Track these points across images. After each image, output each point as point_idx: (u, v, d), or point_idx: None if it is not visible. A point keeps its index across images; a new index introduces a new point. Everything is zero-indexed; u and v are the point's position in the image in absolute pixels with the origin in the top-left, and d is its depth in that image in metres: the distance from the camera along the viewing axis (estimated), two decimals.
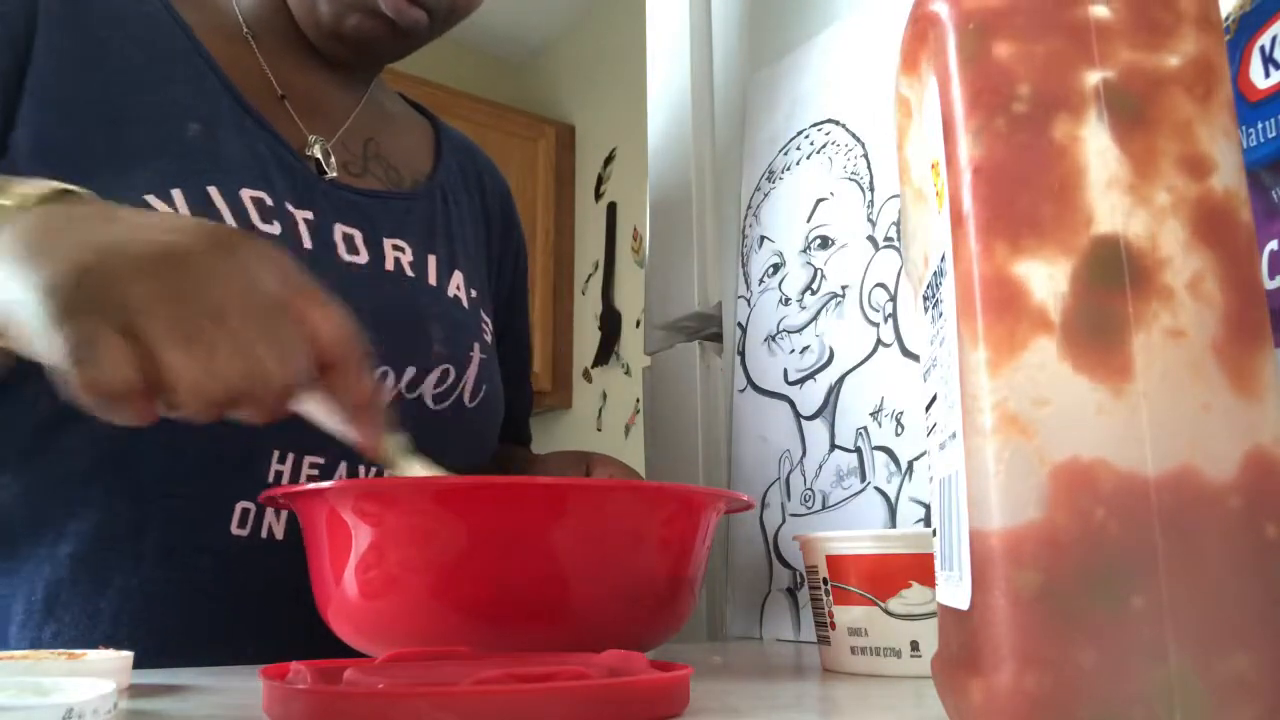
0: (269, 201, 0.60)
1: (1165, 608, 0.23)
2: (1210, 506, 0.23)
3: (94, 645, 0.55)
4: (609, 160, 2.87)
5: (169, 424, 0.52)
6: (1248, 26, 0.43)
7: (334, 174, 0.66)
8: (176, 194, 0.56)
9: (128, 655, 0.41)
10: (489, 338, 0.71)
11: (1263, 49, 0.42)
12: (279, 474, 0.57)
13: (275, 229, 0.59)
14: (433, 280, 0.67)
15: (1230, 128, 0.25)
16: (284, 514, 0.58)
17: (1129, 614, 0.23)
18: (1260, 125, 0.42)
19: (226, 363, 0.35)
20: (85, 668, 0.39)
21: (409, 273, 0.66)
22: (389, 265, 0.65)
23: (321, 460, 0.59)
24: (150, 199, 0.55)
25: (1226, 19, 0.44)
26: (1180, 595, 0.23)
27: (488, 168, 0.84)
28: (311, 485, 0.46)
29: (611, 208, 2.84)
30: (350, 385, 0.42)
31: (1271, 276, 0.41)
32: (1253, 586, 0.23)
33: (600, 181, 2.90)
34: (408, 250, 0.67)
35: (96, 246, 0.36)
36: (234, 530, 0.57)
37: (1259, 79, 0.42)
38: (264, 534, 0.57)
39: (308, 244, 0.61)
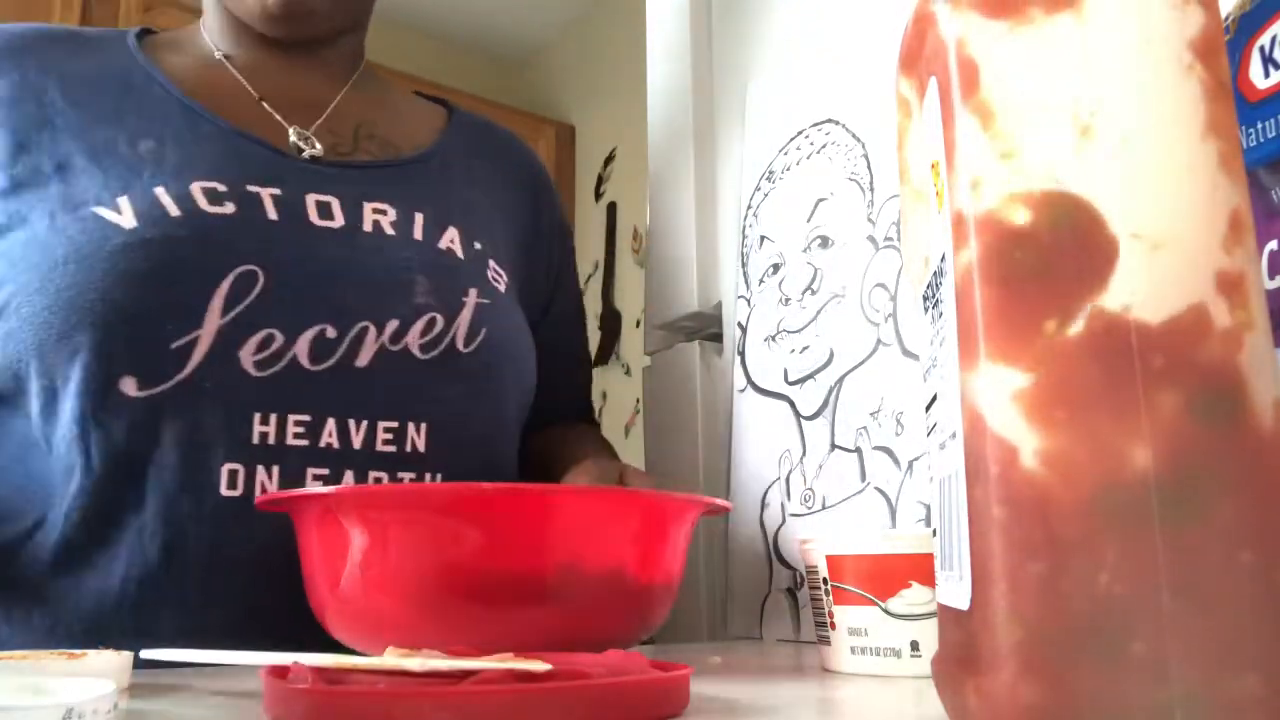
0: (221, 188, 0.63)
1: (1169, 646, 0.23)
2: (1220, 559, 0.23)
3: (112, 613, 0.57)
4: (609, 160, 2.86)
5: (144, 403, 0.57)
6: (1248, 26, 0.43)
7: (314, 152, 0.70)
8: (123, 200, 0.60)
9: (128, 655, 0.41)
10: (501, 285, 0.72)
11: (1263, 49, 0.42)
12: (264, 434, 0.59)
13: (229, 209, 0.62)
14: (418, 235, 0.69)
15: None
16: (275, 473, 0.58)
17: (1130, 656, 0.23)
18: (1260, 125, 0.42)
19: None
20: (85, 668, 0.39)
21: (389, 231, 0.68)
22: (367, 227, 0.67)
23: (307, 417, 0.60)
24: (98, 210, 0.59)
25: (1226, 19, 0.44)
26: (1186, 636, 0.23)
27: (507, 141, 0.87)
28: (307, 490, 0.48)
29: (611, 208, 2.84)
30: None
31: (1271, 276, 0.41)
32: (1262, 624, 0.23)
33: (600, 181, 2.90)
34: (390, 211, 0.69)
35: None
36: (224, 492, 0.58)
37: (1259, 79, 0.42)
38: (257, 493, 0.58)
39: (273, 215, 0.63)
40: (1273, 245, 0.41)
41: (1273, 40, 0.42)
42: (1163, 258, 0.25)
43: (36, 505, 0.58)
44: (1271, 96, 0.41)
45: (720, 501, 0.54)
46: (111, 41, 0.71)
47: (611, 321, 2.75)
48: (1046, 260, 0.25)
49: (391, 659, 0.34)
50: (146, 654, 0.43)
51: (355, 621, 0.48)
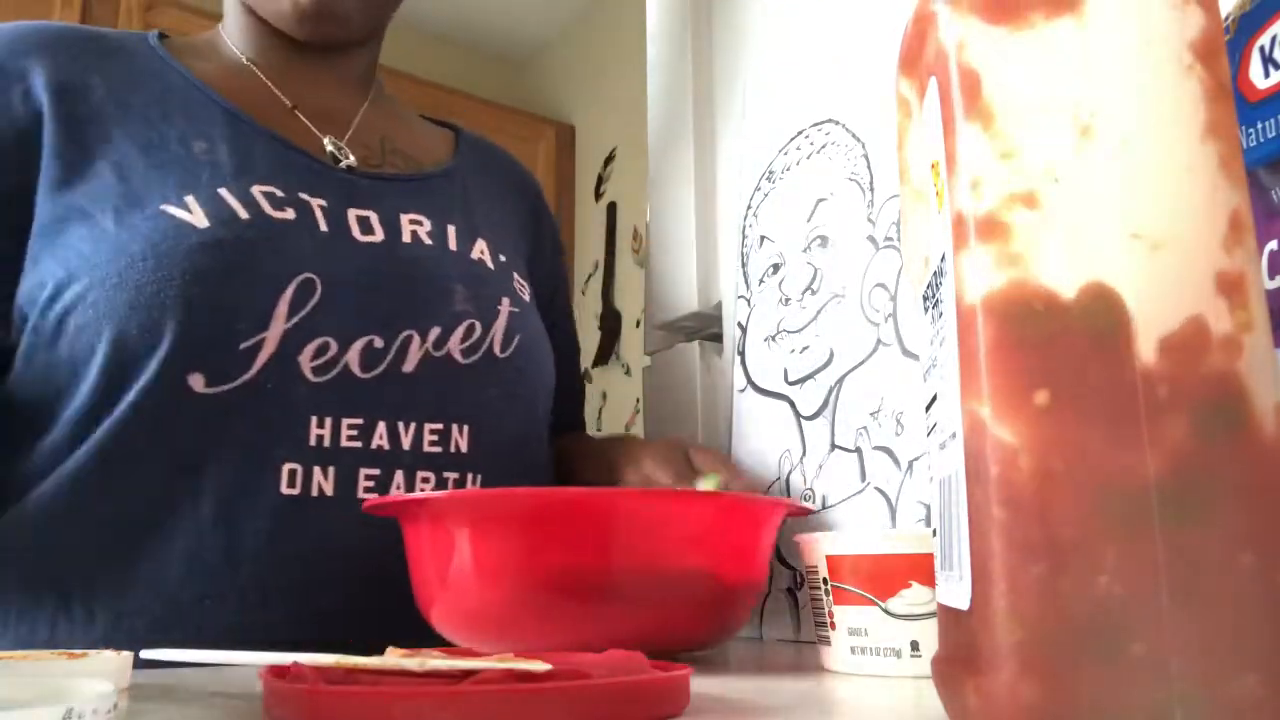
0: (280, 193, 0.64)
1: (1169, 646, 0.23)
2: (1221, 565, 0.23)
3: (172, 610, 0.57)
4: (609, 160, 2.86)
5: (209, 400, 0.58)
6: (1248, 26, 0.43)
7: (349, 161, 0.71)
8: (190, 199, 0.61)
9: (127, 655, 0.41)
10: (526, 295, 0.75)
11: (1263, 49, 0.42)
12: (320, 437, 0.60)
13: (290, 214, 0.63)
14: (453, 246, 0.71)
15: None
16: (330, 473, 0.60)
17: (1130, 656, 0.23)
18: (1260, 125, 0.42)
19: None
20: (85, 668, 0.39)
21: (427, 241, 0.69)
22: (406, 238, 0.68)
23: (360, 421, 0.62)
24: (167, 209, 0.60)
25: (1226, 19, 0.44)
26: (1186, 636, 0.23)
27: (509, 162, 0.90)
28: (412, 495, 0.53)
29: (611, 208, 2.84)
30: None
31: (1271, 276, 0.41)
32: (1262, 625, 0.23)
33: (600, 181, 2.90)
34: (426, 222, 0.70)
35: None
36: (283, 491, 0.59)
37: (1259, 79, 0.42)
38: (314, 492, 0.60)
39: (324, 227, 0.65)
40: (1273, 245, 0.41)
41: (1273, 40, 0.42)
42: (1163, 258, 0.25)
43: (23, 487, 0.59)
44: (1271, 96, 0.41)
45: (806, 505, 0.56)
46: (134, 43, 0.71)
47: (611, 321, 2.75)
48: (1067, 336, 0.25)
49: (391, 659, 0.34)
50: (146, 654, 0.43)
51: (463, 618, 0.50)
